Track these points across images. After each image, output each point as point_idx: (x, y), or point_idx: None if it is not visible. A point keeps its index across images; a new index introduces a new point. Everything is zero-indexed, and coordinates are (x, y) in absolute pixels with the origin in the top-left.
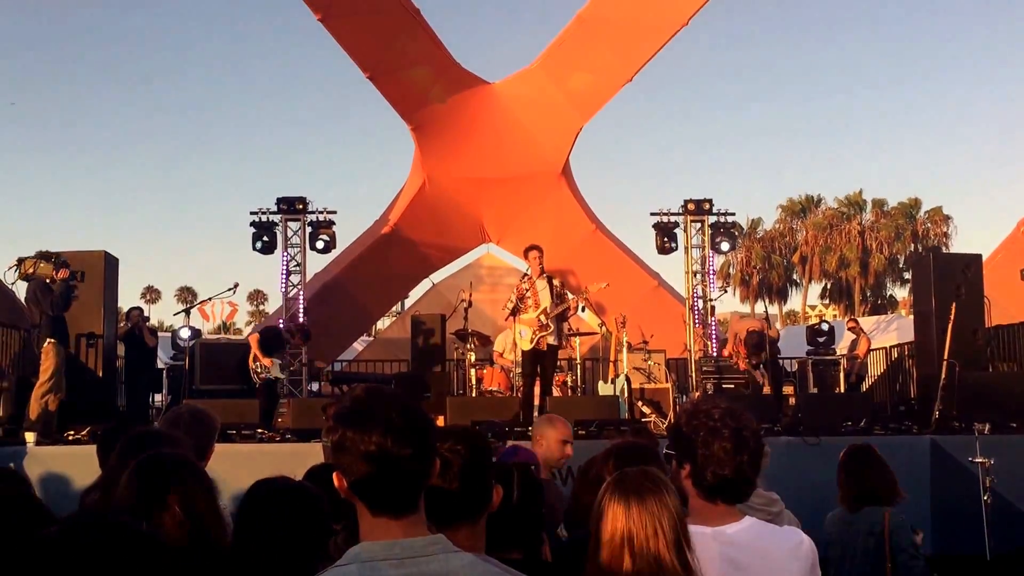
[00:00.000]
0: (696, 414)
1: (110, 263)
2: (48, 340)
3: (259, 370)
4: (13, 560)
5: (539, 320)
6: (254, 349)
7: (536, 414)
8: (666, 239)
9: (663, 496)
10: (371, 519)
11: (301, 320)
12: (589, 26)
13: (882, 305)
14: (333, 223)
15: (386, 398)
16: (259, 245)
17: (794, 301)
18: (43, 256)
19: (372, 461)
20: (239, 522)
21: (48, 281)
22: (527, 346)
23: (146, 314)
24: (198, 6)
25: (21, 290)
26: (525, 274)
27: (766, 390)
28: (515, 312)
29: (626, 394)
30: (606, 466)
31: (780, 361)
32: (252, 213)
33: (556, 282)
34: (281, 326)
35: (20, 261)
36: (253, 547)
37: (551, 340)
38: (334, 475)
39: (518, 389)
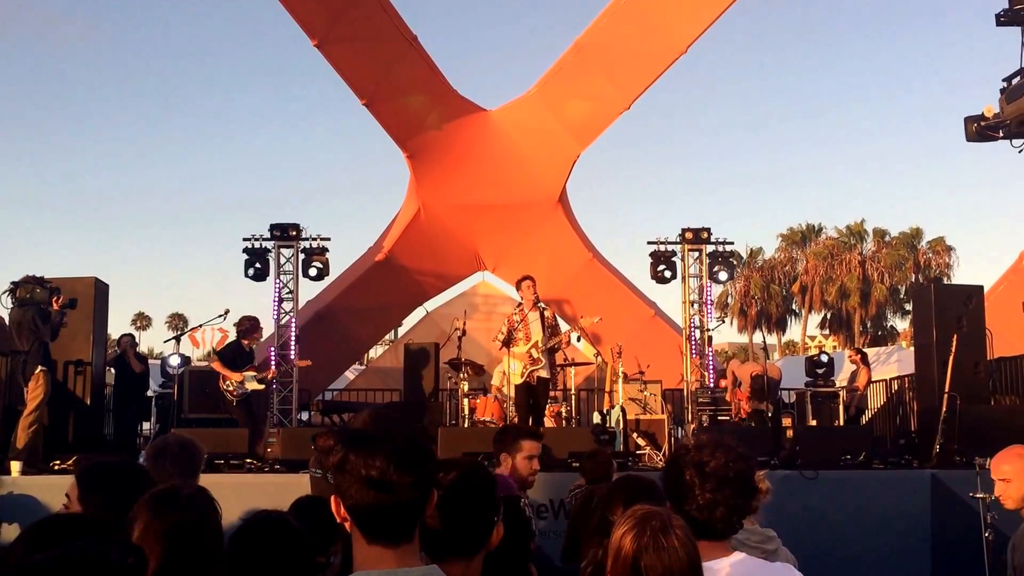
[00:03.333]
0: (677, 449)
1: (100, 290)
2: (39, 368)
3: (231, 387)
4: None
5: (530, 355)
6: (220, 371)
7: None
8: (663, 268)
9: (681, 539)
10: (366, 547)
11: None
12: (586, 54)
13: (882, 336)
14: (326, 250)
15: (392, 425)
16: (251, 272)
17: (793, 331)
18: (36, 282)
19: (373, 486)
20: (229, 557)
21: (44, 307)
22: (518, 380)
23: (136, 340)
24: (190, 29)
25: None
26: (519, 304)
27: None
28: (507, 344)
29: (621, 425)
30: (611, 507)
31: (779, 393)
32: (245, 239)
33: (548, 314)
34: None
35: (16, 285)
36: None
37: (542, 373)
38: (332, 499)
39: (512, 420)
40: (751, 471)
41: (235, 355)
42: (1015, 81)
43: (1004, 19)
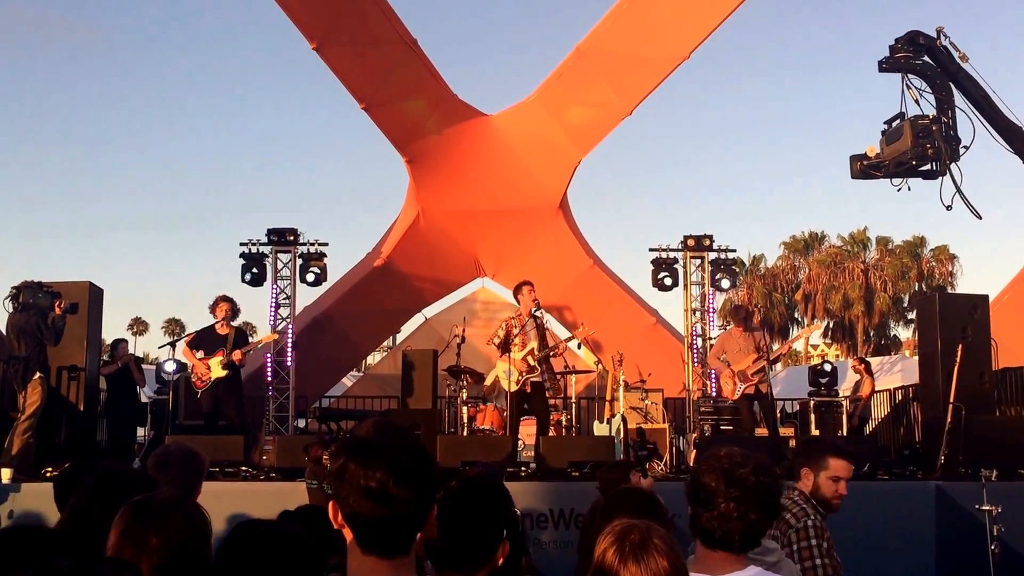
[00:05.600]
0: (703, 457)
1: (94, 294)
2: (37, 375)
3: (198, 374)
4: None
5: (526, 362)
6: (185, 355)
7: (532, 454)
8: (664, 275)
9: (663, 551)
10: (360, 556)
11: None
12: (588, 59)
13: (886, 346)
14: (324, 255)
15: (397, 435)
16: (248, 277)
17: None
18: (36, 287)
19: (371, 498)
20: (219, 565)
21: (46, 312)
22: (512, 387)
23: (131, 348)
24: (186, 31)
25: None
26: (517, 311)
27: (761, 431)
28: (502, 348)
29: (622, 434)
30: (610, 521)
31: (777, 402)
32: (242, 244)
33: (543, 321)
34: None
35: (17, 290)
36: None
37: (536, 379)
38: (329, 505)
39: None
40: (776, 488)
41: (201, 338)
42: (895, 124)
43: (886, 66)
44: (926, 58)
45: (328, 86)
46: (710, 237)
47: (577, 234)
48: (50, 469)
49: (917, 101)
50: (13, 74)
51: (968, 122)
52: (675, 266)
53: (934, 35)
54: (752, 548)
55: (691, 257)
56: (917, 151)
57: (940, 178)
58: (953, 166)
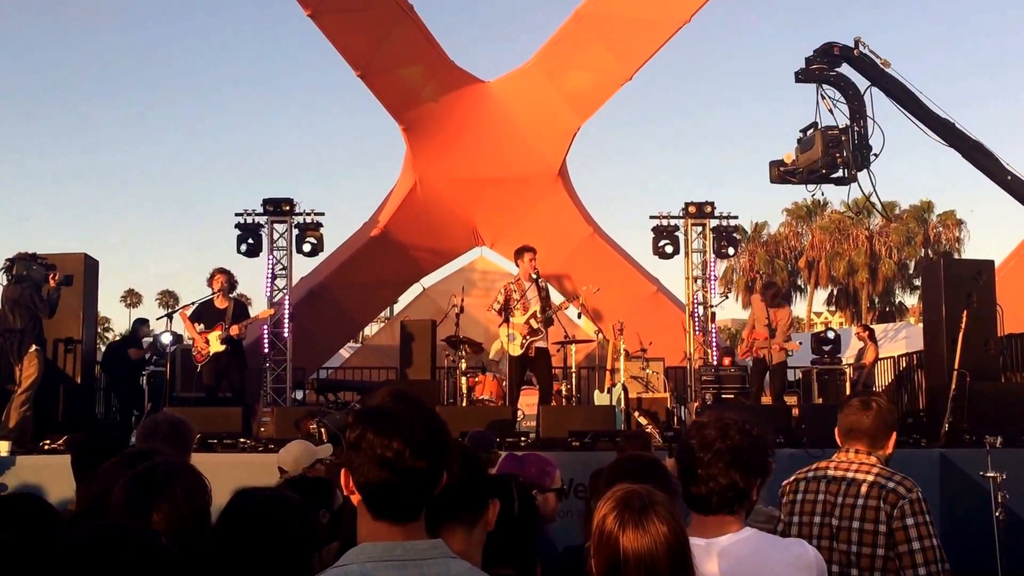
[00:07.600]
0: (685, 429)
1: (89, 266)
2: (33, 347)
3: (199, 348)
4: (24, 560)
5: (529, 325)
6: (184, 323)
7: (533, 424)
8: (665, 243)
9: (663, 517)
10: (372, 522)
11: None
12: (587, 23)
13: (891, 312)
14: (321, 225)
15: (413, 406)
16: (244, 248)
17: (799, 308)
18: (31, 258)
19: (386, 467)
20: (219, 532)
21: (40, 284)
22: (517, 351)
23: (127, 321)
24: (181, 2)
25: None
26: (517, 277)
27: (765, 399)
28: (502, 313)
29: (623, 404)
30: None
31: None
32: (237, 215)
33: (543, 284)
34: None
35: (11, 262)
36: (233, 558)
37: (540, 344)
38: (341, 472)
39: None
40: (754, 446)
41: (200, 312)
42: (808, 133)
43: (802, 77)
44: (842, 68)
45: (324, 53)
46: (711, 204)
47: (576, 202)
48: (48, 442)
49: (831, 111)
50: (1, 45)
51: (882, 130)
52: (676, 234)
53: (852, 45)
54: (738, 508)
55: (692, 224)
56: (827, 160)
57: (850, 185)
58: (865, 172)
